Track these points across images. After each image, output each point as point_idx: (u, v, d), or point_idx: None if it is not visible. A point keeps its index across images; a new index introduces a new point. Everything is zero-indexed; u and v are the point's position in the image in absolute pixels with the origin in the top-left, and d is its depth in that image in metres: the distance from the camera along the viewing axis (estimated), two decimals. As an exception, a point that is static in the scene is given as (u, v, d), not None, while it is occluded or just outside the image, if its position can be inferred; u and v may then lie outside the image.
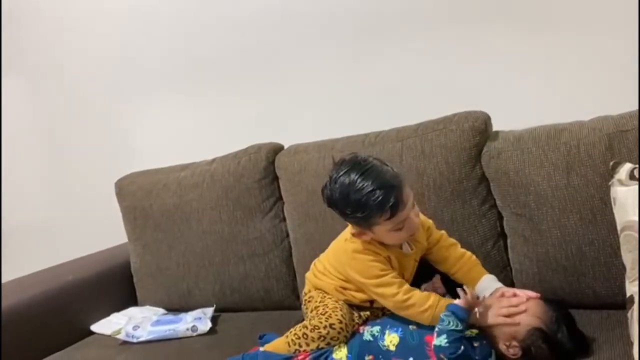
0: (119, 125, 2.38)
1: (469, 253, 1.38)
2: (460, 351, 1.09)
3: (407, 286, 1.25)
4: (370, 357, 1.18)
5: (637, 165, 1.14)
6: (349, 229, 1.32)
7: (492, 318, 1.15)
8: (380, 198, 1.16)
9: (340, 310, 1.28)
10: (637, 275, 1.02)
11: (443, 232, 1.41)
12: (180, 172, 1.86)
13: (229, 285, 1.77)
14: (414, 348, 1.17)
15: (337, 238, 1.41)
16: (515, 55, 1.71)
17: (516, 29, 1.70)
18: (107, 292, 1.89)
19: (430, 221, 1.41)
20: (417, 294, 1.23)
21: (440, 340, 1.10)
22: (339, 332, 1.24)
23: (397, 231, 1.23)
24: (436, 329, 1.13)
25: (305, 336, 1.26)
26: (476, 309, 1.18)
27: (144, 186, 1.89)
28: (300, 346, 1.26)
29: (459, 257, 1.37)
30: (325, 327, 1.25)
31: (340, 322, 1.25)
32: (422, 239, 1.36)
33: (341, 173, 1.21)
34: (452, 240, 1.40)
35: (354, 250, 1.29)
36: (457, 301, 1.16)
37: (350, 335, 1.26)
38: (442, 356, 1.11)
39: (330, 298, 1.35)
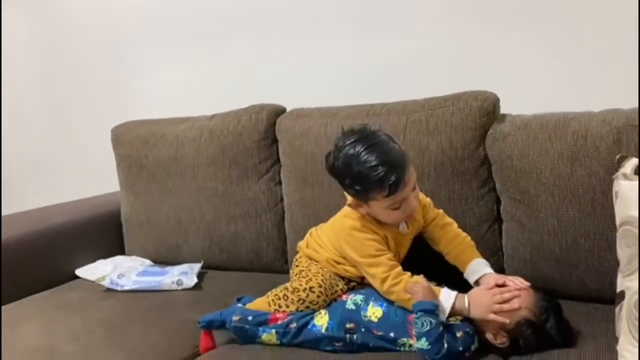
0: (122, 72, 2.34)
1: (464, 234, 1.36)
2: (444, 350, 1.08)
3: (397, 270, 1.23)
4: (352, 324, 1.17)
5: (643, 161, 1.12)
6: (347, 203, 1.30)
7: (483, 312, 1.13)
8: (381, 174, 1.15)
9: (322, 275, 1.29)
10: (634, 269, 1.01)
11: (440, 210, 1.39)
12: (179, 124, 1.83)
13: (218, 244, 1.76)
14: (396, 325, 1.17)
15: (337, 214, 1.39)
16: (530, 40, 1.67)
17: (534, 14, 1.66)
18: (94, 239, 1.88)
19: (428, 199, 1.39)
20: (405, 280, 1.21)
21: (422, 344, 1.09)
22: (317, 296, 1.24)
23: (393, 210, 1.22)
24: (414, 333, 1.11)
25: (285, 297, 1.27)
26: (466, 300, 1.17)
27: (141, 135, 1.86)
28: (279, 307, 1.26)
29: (452, 238, 1.35)
30: (304, 289, 1.25)
31: (320, 286, 1.25)
32: (419, 217, 1.34)
33: (347, 143, 1.19)
34: (449, 219, 1.39)
35: (351, 227, 1.28)
36: (415, 298, 1.14)
37: (330, 302, 1.26)
38: (427, 357, 1.10)
39: (316, 264, 1.35)
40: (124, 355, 1.22)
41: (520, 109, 1.46)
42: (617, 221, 1.10)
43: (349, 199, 1.28)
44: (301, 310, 1.24)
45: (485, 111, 1.42)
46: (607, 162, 1.25)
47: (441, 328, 1.10)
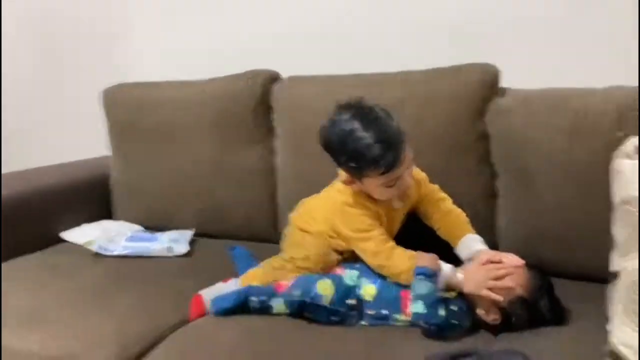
0: (115, 34, 2.26)
1: (458, 210, 1.34)
2: (438, 317, 1.08)
3: (390, 244, 1.22)
4: (354, 301, 1.16)
5: (644, 141, 1.11)
6: (340, 178, 1.28)
7: (477, 288, 1.12)
8: (377, 152, 1.12)
9: (317, 245, 1.28)
10: (632, 249, 1.00)
11: (435, 186, 1.37)
12: (172, 88, 1.78)
13: (209, 211, 1.74)
14: (390, 301, 1.16)
15: (329, 186, 1.37)
16: (534, 14, 1.63)
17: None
18: (82, 202, 1.85)
19: (424, 174, 1.37)
20: (397, 254, 1.20)
21: (417, 307, 1.09)
22: (315, 264, 1.24)
23: (387, 188, 1.20)
24: (411, 296, 1.11)
25: (282, 267, 1.27)
26: (459, 274, 1.16)
27: (133, 99, 1.82)
28: (276, 277, 1.25)
29: (445, 213, 1.33)
30: (302, 258, 1.25)
31: (317, 254, 1.25)
32: (413, 192, 1.32)
33: (343, 118, 1.16)
34: (443, 194, 1.37)
35: (343, 202, 1.26)
36: (419, 262, 1.15)
37: (327, 270, 1.25)
38: (420, 323, 1.09)
39: (309, 235, 1.34)
40: (112, 320, 1.21)
41: (522, 84, 1.43)
42: (617, 199, 1.09)
43: (342, 175, 1.25)
44: None
45: (487, 84, 1.39)
46: (608, 139, 1.22)
47: (439, 294, 1.09)
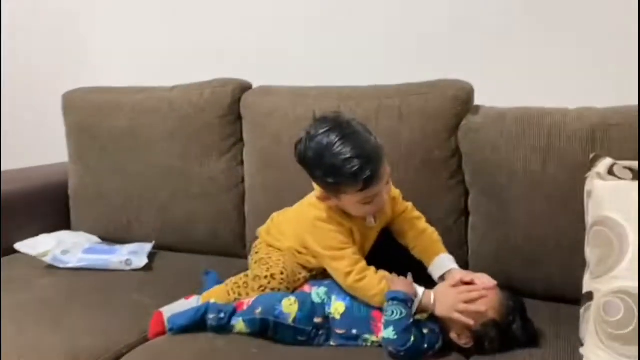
0: (75, 34, 2.18)
1: (431, 229, 1.32)
2: (410, 343, 1.04)
3: (362, 265, 1.17)
4: (320, 319, 1.12)
5: (617, 162, 1.10)
6: (314, 193, 1.23)
7: (448, 311, 1.09)
8: (355, 168, 1.07)
9: (283, 263, 1.24)
10: (605, 271, 0.98)
11: (409, 204, 1.35)
12: (136, 94, 1.72)
13: (172, 223, 1.67)
14: (359, 321, 1.12)
15: (301, 201, 1.33)
16: (510, 32, 1.64)
17: (515, 9, 1.63)
18: (38, 211, 1.76)
19: (398, 191, 1.34)
20: (369, 276, 1.15)
21: (389, 333, 1.05)
22: (279, 283, 1.20)
23: (364, 204, 1.15)
24: (382, 321, 1.08)
25: (245, 285, 1.23)
26: (432, 296, 1.13)
27: (94, 103, 1.75)
28: (240, 295, 1.22)
29: (419, 232, 1.30)
30: (266, 277, 1.21)
31: (282, 273, 1.21)
32: (388, 210, 1.29)
33: (320, 131, 1.10)
34: (417, 213, 1.34)
35: (316, 217, 1.21)
36: (393, 286, 1.12)
37: (293, 290, 1.21)
38: (390, 349, 1.05)
39: (277, 252, 1.29)
40: (64, 337, 1.13)
41: (495, 102, 1.42)
42: (590, 220, 1.08)
43: (317, 190, 1.20)
44: None
45: (460, 100, 1.38)
46: (580, 159, 1.22)
47: (411, 320, 1.06)
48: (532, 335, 1.10)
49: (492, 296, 1.11)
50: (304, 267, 1.27)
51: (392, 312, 1.06)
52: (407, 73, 1.50)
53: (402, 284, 1.12)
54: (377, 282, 1.14)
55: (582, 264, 1.16)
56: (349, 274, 1.15)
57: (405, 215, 1.32)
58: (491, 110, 1.38)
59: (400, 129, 1.40)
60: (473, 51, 1.67)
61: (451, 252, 1.39)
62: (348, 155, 1.07)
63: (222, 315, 1.14)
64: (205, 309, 1.16)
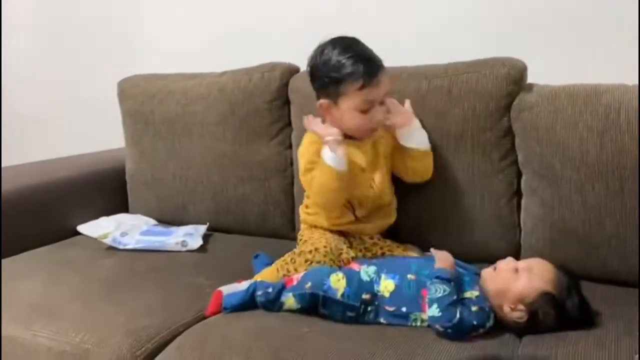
0: (130, 24, 2.25)
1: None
2: (456, 319, 1.04)
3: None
4: (368, 296, 1.13)
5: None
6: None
7: (503, 282, 1.10)
8: (358, 64, 1.23)
9: (326, 239, 1.30)
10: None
11: None
12: (187, 80, 1.75)
13: (224, 206, 1.71)
14: (409, 298, 1.12)
15: None
16: (561, 7, 1.58)
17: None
18: (98, 195, 1.84)
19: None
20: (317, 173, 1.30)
21: (433, 311, 1.05)
22: (324, 256, 1.24)
23: (360, 113, 1.26)
24: (426, 300, 1.08)
25: (293, 261, 1.26)
26: (483, 275, 1.13)
27: (147, 90, 1.79)
28: (288, 271, 1.25)
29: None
30: (310, 251, 1.25)
31: (325, 247, 1.26)
32: (385, 140, 1.37)
33: (330, 42, 1.28)
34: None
35: (306, 137, 1.37)
36: (436, 264, 1.12)
37: (339, 267, 1.24)
38: (437, 326, 1.05)
39: (318, 230, 1.36)
40: (124, 316, 1.18)
41: (549, 80, 1.38)
42: (650, 201, 1.04)
43: (322, 106, 1.31)
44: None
45: (513, 79, 1.34)
46: (640, 139, 1.18)
47: (455, 297, 1.06)
48: (588, 316, 1.08)
49: (545, 267, 1.10)
50: (345, 238, 1.33)
51: (436, 290, 1.06)
52: (456, 52, 1.47)
53: (444, 261, 1.13)
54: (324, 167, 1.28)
55: (641, 247, 1.12)
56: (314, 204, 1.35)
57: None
58: (545, 89, 1.34)
59: (450, 109, 1.38)
60: (524, 27, 1.62)
61: (503, 234, 1.38)
62: (352, 54, 1.24)
63: (269, 289, 1.17)
64: (254, 287, 1.19)
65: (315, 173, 1.31)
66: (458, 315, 1.04)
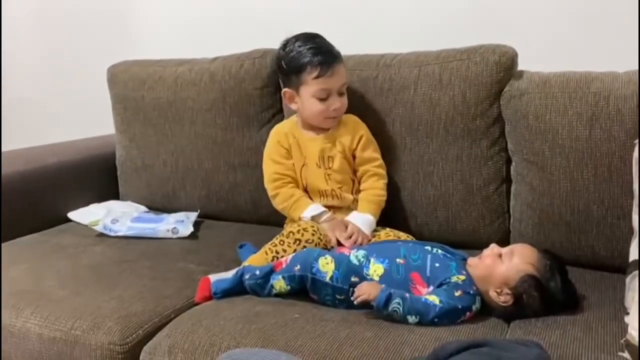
0: (120, 9, 2.22)
1: (381, 193, 1.40)
2: (436, 310, 1.05)
3: (280, 182, 1.41)
4: (357, 278, 1.13)
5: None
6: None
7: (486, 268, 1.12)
8: (316, 55, 1.34)
9: (312, 224, 1.32)
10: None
11: (380, 160, 1.42)
12: (178, 66, 1.74)
13: (216, 193, 1.71)
14: (398, 283, 1.12)
15: None
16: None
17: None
18: (88, 181, 1.83)
19: (370, 137, 1.43)
20: (282, 192, 1.41)
21: (413, 320, 1.06)
22: (312, 234, 1.27)
23: (320, 100, 1.35)
24: (398, 318, 1.07)
25: (281, 242, 1.28)
26: (469, 263, 1.14)
27: (137, 76, 1.78)
28: (277, 253, 1.26)
29: (370, 187, 1.41)
30: (298, 230, 1.28)
31: (312, 226, 1.30)
32: (346, 139, 1.41)
33: (294, 36, 1.40)
34: (381, 172, 1.42)
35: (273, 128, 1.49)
36: (368, 297, 1.08)
37: (329, 249, 1.25)
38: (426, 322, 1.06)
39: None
40: (114, 303, 1.18)
41: (539, 67, 1.38)
42: (637, 188, 1.05)
43: (286, 94, 1.42)
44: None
45: (503, 66, 1.34)
46: (629, 125, 1.19)
47: (408, 295, 1.07)
48: (573, 297, 1.10)
49: (528, 251, 1.12)
50: None
51: (396, 311, 1.05)
52: (447, 38, 1.47)
53: (369, 289, 1.08)
54: (287, 196, 1.40)
55: (628, 233, 1.14)
56: (267, 188, 1.44)
57: (369, 167, 1.41)
58: (535, 76, 1.34)
59: (440, 96, 1.38)
60: (514, 14, 1.62)
61: (493, 220, 1.39)
62: (312, 46, 1.35)
63: (257, 272, 1.17)
64: (242, 271, 1.20)
65: (281, 199, 1.43)
66: (440, 305, 1.05)
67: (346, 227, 1.32)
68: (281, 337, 1.02)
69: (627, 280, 1.07)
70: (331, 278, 1.13)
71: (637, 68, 1.27)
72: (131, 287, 1.25)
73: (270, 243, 1.30)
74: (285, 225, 1.44)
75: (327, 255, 1.16)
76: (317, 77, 1.33)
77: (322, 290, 1.14)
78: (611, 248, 1.25)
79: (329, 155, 1.41)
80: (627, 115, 1.20)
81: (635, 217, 1.07)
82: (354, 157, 1.42)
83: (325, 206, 1.40)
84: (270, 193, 1.45)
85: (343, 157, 1.41)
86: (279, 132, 1.47)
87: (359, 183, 1.43)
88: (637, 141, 1.10)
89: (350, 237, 1.30)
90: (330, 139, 1.41)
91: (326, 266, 1.14)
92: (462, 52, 1.39)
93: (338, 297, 1.13)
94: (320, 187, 1.41)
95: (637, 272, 1.02)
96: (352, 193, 1.42)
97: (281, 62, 1.41)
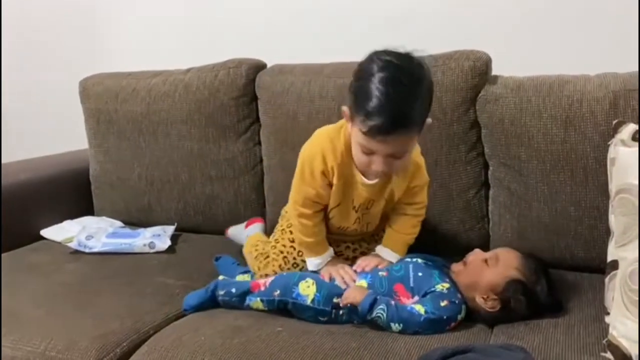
0: (91, 21, 2.18)
1: (414, 231, 1.25)
2: (420, 319, 1.04)
3: (311, 211, 1.19)
4: (339, 300, 1.11)
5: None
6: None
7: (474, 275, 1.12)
8: (380, 111, 1.00)
9: (284, 258, 1.28)
10: (631, 239, 0.97)
11: (424, 201, 1.25)
12: (151, 78, 1.72)
13: (193, 206, 1.69)
14: (382, 296, 1.11)
15: None
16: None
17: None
18: (62, 198, 1.79)
19: (424, 186, 1.24)
20: (307, 225, 1.20)
21: (397, 328, 1.05)
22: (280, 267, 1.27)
23: (363, 153, 1.08)
24: (382, 324, 1.06)
25: (265, 257, 1.28)
26: (453, 269, 1.14)
27: (110, 88, 1.75)
28: (263, 249, 1.30)
29: (405, 226, 1.25)
30: (261, 276, 1.26)
31: (275, 273, 1.25)
32: (400, 186, 1.20)
33: (385, 60, 1.04)
34: (421, 212, 1.26)
35: (324, 129, 1.19)
36: (353, 301, 1.08)
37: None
38: (409, 331, 1.05)
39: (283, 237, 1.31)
40: (90, 321, 1.15)
41: (512, 71, 1.40)
42: (613, 189, 1.06)
43: (345, 112, 1.11)
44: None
45: (478, 71, 1.35)
46: (603, 127, 1.21)
47: (393, 302, 1.06)
48: (557, 300, 1.11)
49: (512, 256, 1.12)
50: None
51: (379, 317, 1.05)
52: (419, 45, 1.47)
53: (354, 294, 1.08)
54: (308, 234, 1.21)
55: (605, 234, 1.15)
56: (293, 203, 1.22)
57: (410, 208, 1.24)
58: (509, 80, 1.35)
59: (417, 102, 1.38)
60: (487, 20, 1.64)
61: (472, 225, 1.40)
62: (384, 91, 1.00)
63: (233, 290, 1.16)
64: (215, 285, 1.18)
65: (304, 231, 1.22)
66: (425, 315, 1.04)
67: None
68: (264, 351, 1.00)
69: (606, 280, 1.08)
70: (312, 301, 1.11)
71: (607, 71, 1.29)
72: (108, 305, 1.22)
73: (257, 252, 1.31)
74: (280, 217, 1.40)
75: (308, 279, 1.14)
76: (364, 132, 1.04)
77: (304, 313, 1.12)
78: (589, 249, 1.26)
79: (372, 199, 1.20)
80: (601, 117, 1.21)
81: (612, 217, 1.08)
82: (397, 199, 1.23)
83: (337, 234, 1.28)
84: (296, 214, 1.22)
85: (386, 202, 1.22)
86: (325, 161, 1.15)
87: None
88: (610, 142, 1.11)
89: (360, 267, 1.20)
90: (383, 186, 1.18)
91: (307, 289, 1.12)
92: (436, 58, 1.40)
93: (321, 318, 1.12)
94: (343, 225, 1.25)
95: (615, 272, 1.02)
96: (379, 225, 1.29)
97: (353, 79, 1.10)
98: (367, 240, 1.31)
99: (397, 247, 1.25)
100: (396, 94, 1.01)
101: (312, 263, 1.23)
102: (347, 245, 1.30)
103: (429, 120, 1.10)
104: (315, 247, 1.23)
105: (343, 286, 1.14)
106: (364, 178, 1.15)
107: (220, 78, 1.62)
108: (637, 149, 1.03)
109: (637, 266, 0.93)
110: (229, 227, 1.57)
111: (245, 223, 1.52)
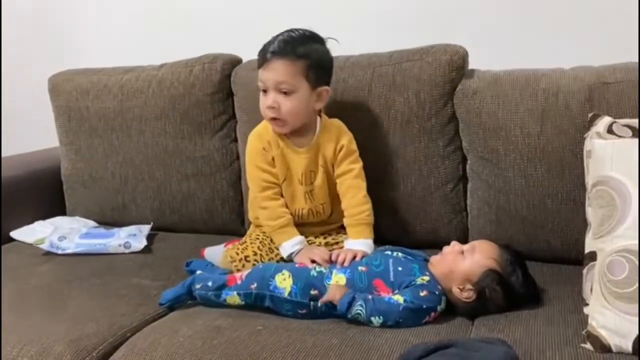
0: (60, 15, 2.13)
1: (364, 208, 1.29)
2: (399, 308, 1.04)
3: (271, 192, 1.30)
4: (316, 292, 1.11)
5: (616, 120, 1.09)
6: None
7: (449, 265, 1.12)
8: (268, 43, 1.26)
9: (260, 241, 1.30)
10: (608, 230, 0.98)
11: (358, 165, 1.31)
12: (123, 74, 1.68)
13: (169, 204, 1.66)
14: (362, 291, 1.11)
15: None
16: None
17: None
18: (32, 198, 1.73)
19: (351, 146, 1.32)
20: (272, 207, 1.29)
21: (377, 322, 1.05)
22: (253, 265, 1.24)
23: (262, 95, 1.26)
24: (363, 320, 1.06)
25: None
26: (431, 259, 1.15)
27: (81, 85, 1.71)
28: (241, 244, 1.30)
29: (352, 205, 1.30)
30: (240, 259, 1.26)
31: (255, 254, 1.28)
32: (329, 148, 1.31)
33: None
34: (361, 182, 1.31)
35: (253, 130, 1.35)
36: (333, 300, 1.08)
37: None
38: (389, 324, 1.05)
39: (256, 230, 1.36)
40: (65, 325, 1.12)
41: (489, 66, 1.40)
42: (590, 181, 1.07)
43: None
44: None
45: (455, 65, 1.35)
46: (578, 120, 1.22)
47: (370, 296, 1.06)
48: (534, 291, 1.12)
49: (488, 246, 1.13)
50: None
51: (359, 314, 1.05)
52: (399, 39, 1.47)
53: (334, 292, 1.08)
54: (275, 217, 1.28)
55: (582, 226, 1.16)
56: (254, 196, 1.33)
57: (346, 178, 1.31)
58: (486, 74, 1.36)
59: (395, 97, 1.38)
60: (463, 13, 1.64)
61: (450, 219, 1.40)
62: (277, 35, 1.26)
63: (209, 284, 1.15)
64: (192, 280, 1.17)
65: (269, 216, 1.30)
66: (404, 304, 1.04)
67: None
68: (244, 350, 0.98)
69: (584, 272, 1.09)
70: (290, 293, 1.10)
71: (582, 64, 1.30)
72: (82, 307, 1.19)
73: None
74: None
75: (284, 271, 1.14)
76: (258, 67, 1.27)
77: (282, 306, 1.11)
78: (567, 241, 1.28)
79: (311, 170, 1.31)
80: (576, 110, 1.23)
81: (589, 209, 1.09)
82: (333, 168, 1.32)
83: (302, 224, 1.33)
84: (259, 204, 1.31)
85: (325, 172, 1.32)
86: (261, 138, 1.32)
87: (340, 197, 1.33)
88: (586, 135, 1.12)
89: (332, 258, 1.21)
90: (314, 150, 1.31)
91: (284, 282, 1.11)
92: (414, 52, 1.40)
93: (300, 311, 1.11)
94: (297, 206, 1.33)
95: (593, 263, 1.03)
96: (331, 206, 1.35)
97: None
98: (333, 234, 1.36)
99: (359, 232, 1.28)
100: (284, 33, 1.26)
101: (285, 248, 1.27)
102: (311, 240, 1.33)
103: (326, 87, 1.28)
104: (284, 229, 1.28)
105: (325, 265, 1.17)
106: (294, 146, 1.30)
107: (195, 74, 1.60)
108: (612, 141, 1.05)
109: (618, 258, 0.94)
110: (204, 248, 1.42)
111: (224, 244, 1.42)
